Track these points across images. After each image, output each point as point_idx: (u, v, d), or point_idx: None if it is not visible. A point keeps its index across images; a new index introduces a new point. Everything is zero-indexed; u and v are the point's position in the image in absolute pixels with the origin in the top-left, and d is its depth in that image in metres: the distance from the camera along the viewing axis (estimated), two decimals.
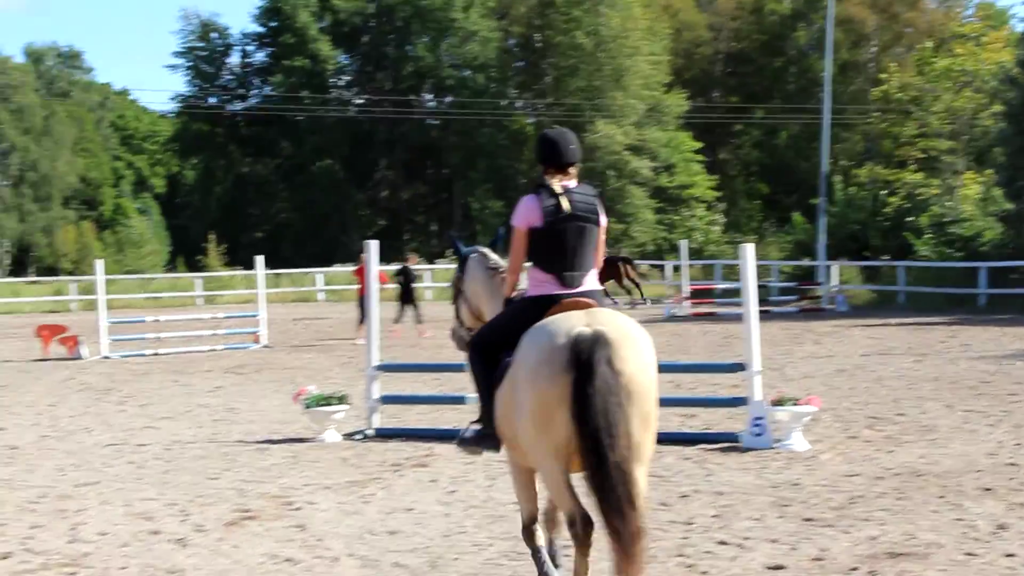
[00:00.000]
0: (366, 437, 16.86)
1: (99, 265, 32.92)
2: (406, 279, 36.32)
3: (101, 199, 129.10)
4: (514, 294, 8.99)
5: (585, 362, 7.44)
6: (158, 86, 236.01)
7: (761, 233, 76.56)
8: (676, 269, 53.64)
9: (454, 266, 10.43)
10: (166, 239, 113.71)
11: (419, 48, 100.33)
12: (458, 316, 9.92)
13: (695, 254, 61.67)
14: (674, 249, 61.43)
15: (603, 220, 8.65)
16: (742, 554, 10.14)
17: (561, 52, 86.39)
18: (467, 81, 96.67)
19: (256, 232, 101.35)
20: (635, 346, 7.70)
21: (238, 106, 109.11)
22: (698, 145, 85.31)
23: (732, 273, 52.60)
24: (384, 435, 16.89)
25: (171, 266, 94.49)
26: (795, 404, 15.21)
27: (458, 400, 18.11)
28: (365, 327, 30.87)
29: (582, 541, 7.80)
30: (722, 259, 61.52)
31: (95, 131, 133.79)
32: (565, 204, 8.38)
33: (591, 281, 8.48)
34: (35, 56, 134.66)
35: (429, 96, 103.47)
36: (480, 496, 12.63)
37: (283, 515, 11.97)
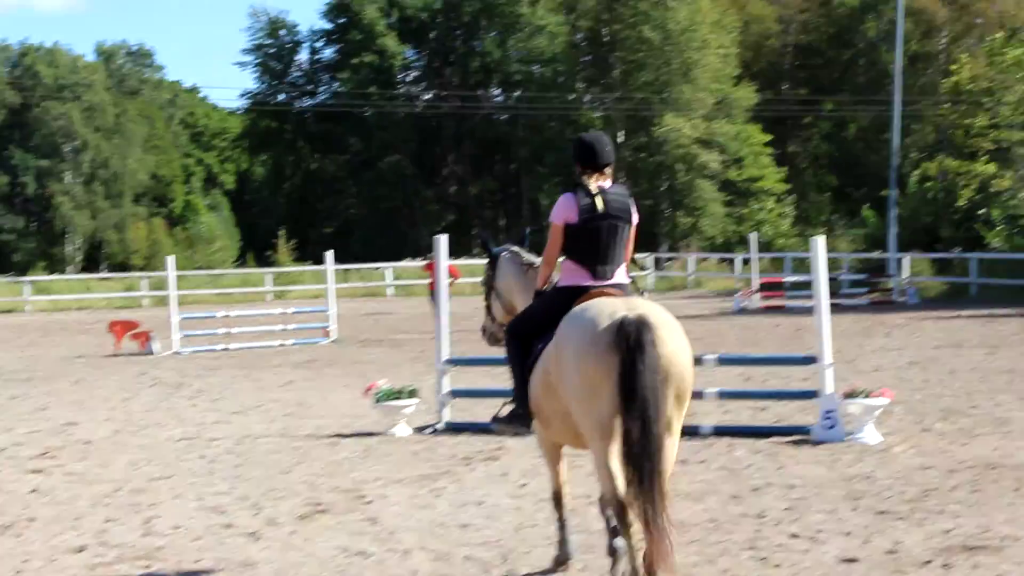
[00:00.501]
0: (436, 431, 16.89)
1: (170, 261, 33.16)
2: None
3: (172, 196, 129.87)
4: (546, 286, 9.50)
5: (635, 341, 7.89)
6: (227, 83, 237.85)
7: (830, 225, 76.01)
8: (745, 262, 53.50)
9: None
10: (236, 235, 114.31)
11: (486, 43, 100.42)
12: (490, 313, 10.59)
13: (764, 247, 61.35)
14: (743, 242, 61.28)
15: (635, 218, 9.21)
16: (814, 547, 10.09)
17: (629, 46, 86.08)
18: (534, 76, 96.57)
19: (325, 227, 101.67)
20: (673, 330, 8.21)
21: (307, 103, 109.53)
22: (767, 138, 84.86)
23: (802, 266, 52.30)
24: (454, 429, 16.91)
25: (241, 262, 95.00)
26: (867, 397, 15.10)
27: None
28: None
29: (617, 509, 8.15)
30: (791, 252, 61.16)
31: (165, 128, 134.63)
32: (600, 203, 8.95)
33: (620, 275, 9.10)
34: (106, 54, 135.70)
35: (497, 91, 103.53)
36: (551, 490, 12.61)
37: (355, 509, 12.00)
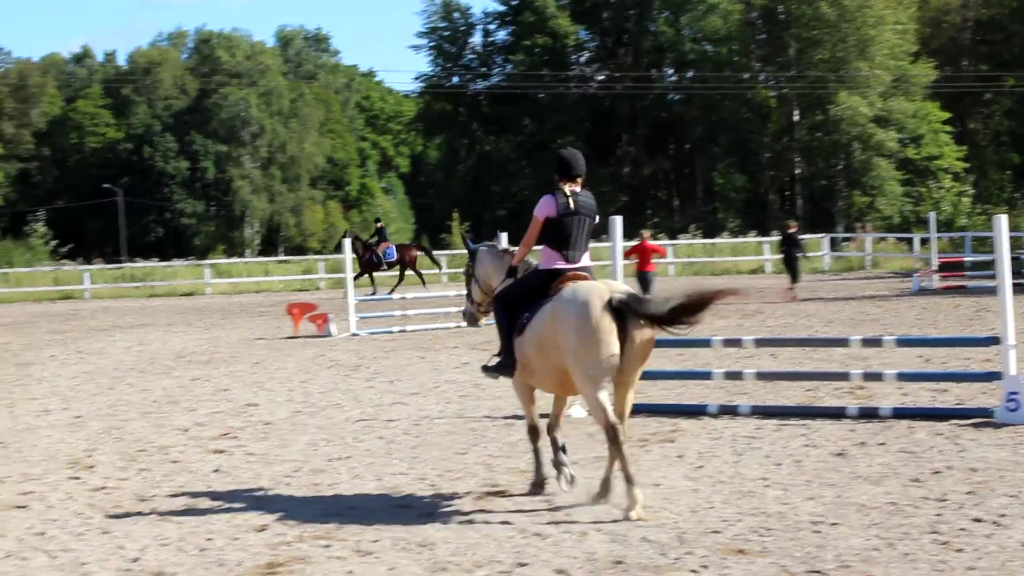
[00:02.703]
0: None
1: (347, 244, 33.52)
2: (789, 246, 38.71)
3: (347, 179, 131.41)
4: (522, 265, 12.21)
5: (622, 307, 10.77)
6: (402, 67, 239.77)
7: (1012, 204, 74.54)
8: (924, 242, 52.61)
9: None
10: (410, 217, 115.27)
11: (659, 23, 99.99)
12: (470, 296, 13.07)
13: (943, 227, 60.29)
14: (921, 222, 60.31)
15: (596, 218, 11.84)
16: (998, 531, 9.89)
17: (804, 23, 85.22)
18: (708, 55, 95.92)
19: (499, 209, 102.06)
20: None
21: (480, 85, 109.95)
22: (946, 115, 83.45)
23: (982, 245, 51.33)
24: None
25: (415, 244, 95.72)
26: None
27: (704, 376, 18.04)
28: None
29: (614, 440, 10.90)
30: (972, 231, 60.01)
31: (341, 112, 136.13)
32: (572, 203, 11.61)
33: (585, 259, 11.76)
34: (284, 40, 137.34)
35: (670, 71, 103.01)
36: (728, 472, 12.54)
37: (531, 490, 12.02)
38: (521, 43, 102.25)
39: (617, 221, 17.69)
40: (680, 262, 59.48)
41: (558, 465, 11.99)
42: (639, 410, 16.65)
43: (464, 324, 14.25)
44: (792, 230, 40.31)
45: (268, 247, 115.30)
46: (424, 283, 49.26)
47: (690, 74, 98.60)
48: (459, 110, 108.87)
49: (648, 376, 18.53)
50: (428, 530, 10.58)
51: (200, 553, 10.13)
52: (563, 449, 12.07)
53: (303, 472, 13.46)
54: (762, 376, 17.78)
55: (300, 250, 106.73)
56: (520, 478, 12.54)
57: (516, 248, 12.47)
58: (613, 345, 10.74)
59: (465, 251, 13.53)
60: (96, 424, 17.84)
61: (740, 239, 66.56)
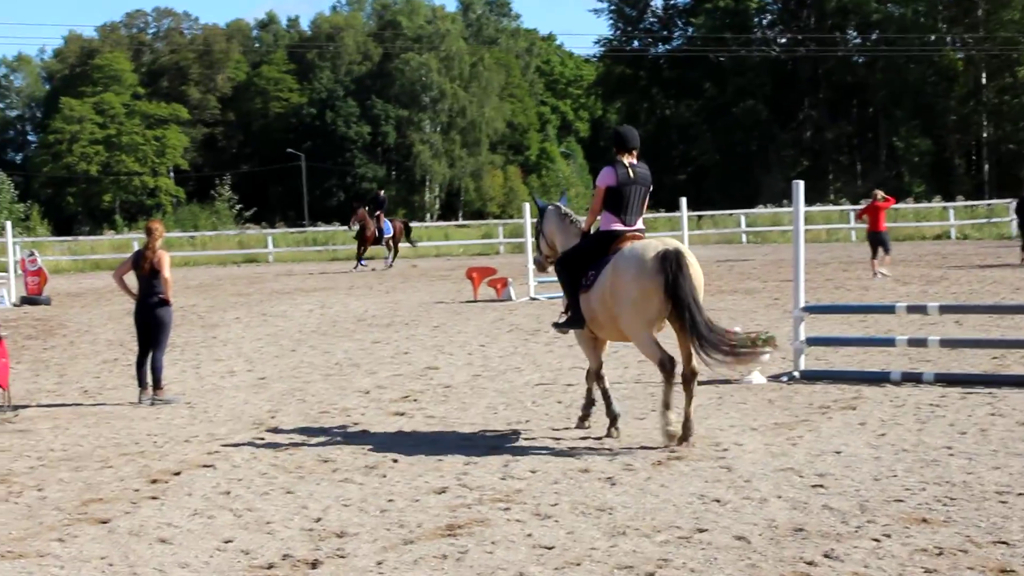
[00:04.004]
0: (792, 379, 16.72)
1: (526, 208, 33.59)
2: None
3: (527, 143, 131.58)
4: (590, 229, 13.62)
5: (675, 267, 12.21)
6: (583, 31, 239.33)
7: None
8: None
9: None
10: (590, 182, 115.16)
11: None
12: (538, 248, 14.82)
13: None
14: None
15: (651, 186, 13.39)
16: None
17: None
18: (894, 16, 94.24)
19: (679, 174, 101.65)
20: (692, 258, 12.48)
21: (661, 48, 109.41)
22: None
23: None
24: (810, 377, 16.71)
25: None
26: None
27: (888, 342, 17.78)
28: (877, 261, 31.88)
29: (669, 374, 12.38)
30: None
31: (521, 77, 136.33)
32: (631, 173, 13.08)
33: (640, 223, 13.21)
34: (465, 4, 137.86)
35: (853, 33, 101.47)
36: (911, 440, 12.35)
37: (710, 456, 11.97)
38: (703, 6, 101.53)
39: (799, 186, 17.47)
40: (862, 227, 58.54)
41: (612, 411, 13.41)
42: (819, 377, 16.51)
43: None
44: None
45: (448, 211, 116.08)
46: (396, 255, 49.27)
47: (874, 36, 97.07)
48: (639, 74, 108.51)
49: (830, 343, 18.41)
50: (607, 494, 10.58)
51: (381, 514, 10.23)
52: (593, 402, 13.92)
53: (482, 435, 13.53)
54: (946, 343, 17.48)
55: (479, 214, 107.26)
56: (699, 443, 12.47)
57: (572, 213, 14.31)
58: (664, 295, 12.25)
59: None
60: (279, 386, 18.13)
61: (924, 204, 65.38)
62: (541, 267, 15.21)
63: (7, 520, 10.51)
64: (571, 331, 13.82)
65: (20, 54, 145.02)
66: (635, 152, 13.25)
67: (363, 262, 47.89)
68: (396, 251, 48.83)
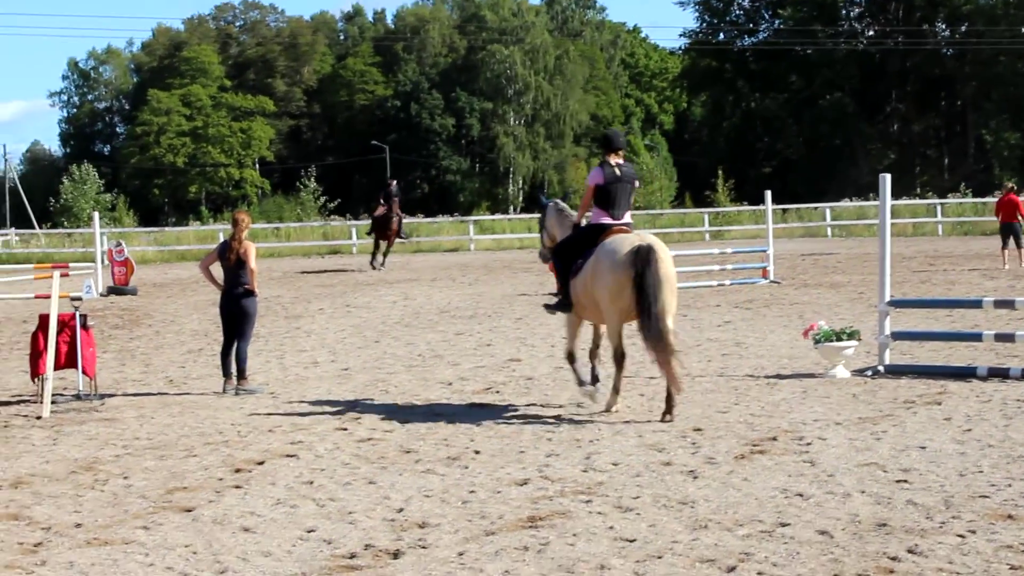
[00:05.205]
0: (876, 373, 16.60)
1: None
2: None
3: None
4: (581, 221, 15.01)
5: (644, 262, 13.57)
6: (669, 23, 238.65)
7: None
8: None
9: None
10: (674, 175, 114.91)
11: None
12: (542, 241, 16.29)
13: None
14: None
15: (637, 184, 15.20)
16: None
17: None
18: (983, 8, 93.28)
19: (764, 167, 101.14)
20: (666, 253, 13.85)
21: (747, 41, 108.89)
22: None
23: None
24: (895, 372, 16.59)
25: (678, 201, 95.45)
26: None
27: (975, 337, 17.62)
28: (1005, 253, 32.00)
29: (620, 364, 14.23)
30: None
31: (606, 69, 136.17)
32: (617, 172, 14.53)
33: (627, 217, 14.65)
34: None
35: (942, 26, 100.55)
36: (997, 435, 12.23)
37: (793, 450, 11.91)
38: None
39: (886, 179, 17.33)
40: (949, 221, 58.07)
41: (583, 384, 14.99)
42: (903, 372, 16.40)
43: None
44: None
45: (532, 204, 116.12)
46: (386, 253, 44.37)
47: (963, 28, 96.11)
48: (725, 66, 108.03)
49: (915, 337, 18.27)
50: (689, 487, 10.55)
51: (463, 505, 10.26)
52: (596, 378, 15.12)
53: (564, 427, 13.54)
54: None
55: None
56: (782, 437, 12.42)
57: (567, 208, 15.96)
58: (632, 287, 13.61)
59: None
60: (363, 376, 18.21)
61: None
62: (545, 259, 16.33)
63: (93, 507, 10.63)
64: (563, 313, 15.25)
65: (109, 47, 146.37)
66: (621, 153, 14.87)
67: (380, 260, 43.64)
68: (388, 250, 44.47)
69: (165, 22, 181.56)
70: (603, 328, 14.96)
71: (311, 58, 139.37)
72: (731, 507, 9.86)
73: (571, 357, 15.30)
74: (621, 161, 14.72)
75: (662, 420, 13.64)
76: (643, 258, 13.58)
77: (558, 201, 16.37)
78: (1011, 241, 33.61)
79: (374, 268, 43.19)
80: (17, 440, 13.88)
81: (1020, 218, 34.12)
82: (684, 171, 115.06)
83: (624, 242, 13.94)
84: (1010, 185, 34.72)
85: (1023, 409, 13.58)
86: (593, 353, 15.42)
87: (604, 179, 14.46)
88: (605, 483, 10.84)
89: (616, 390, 14.42)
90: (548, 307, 15.64)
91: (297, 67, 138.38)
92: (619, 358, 14.16)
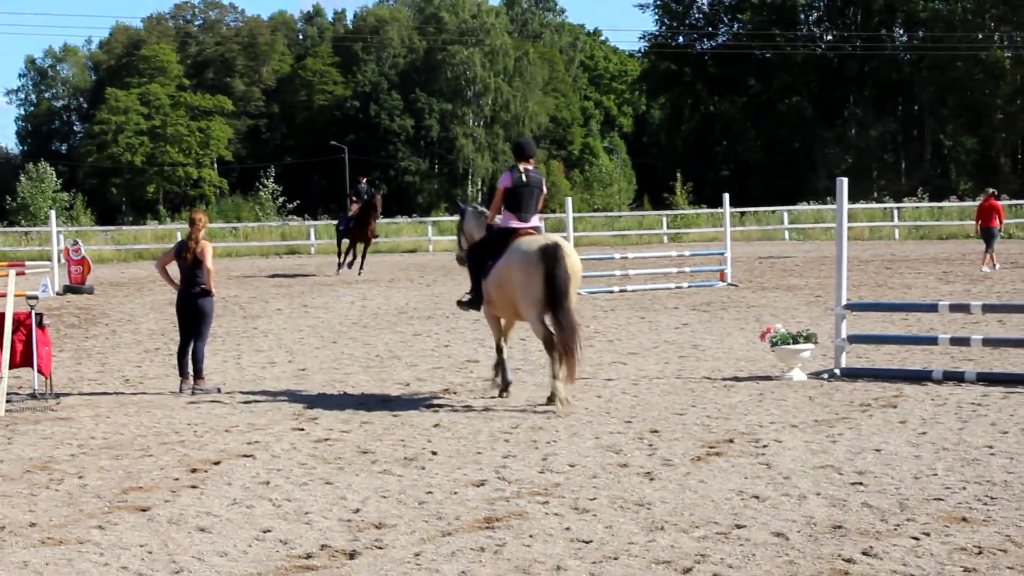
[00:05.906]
0: (833, 376, 16.68)
1: (568, 203, 33.65)
2: None
3: (570, 138, 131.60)
4: (492, 223, 16.05)
5: (551, 258, 14.67)
6: (628, 26, 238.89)
7: None
8: None
9: None
10: (632, 177, 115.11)
11: None
12: (460, 244, 17.13)
13: None
14: None
15: (545, 189, 16.07)
16: None
17: None
18: (941, 14, 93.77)
19: (722, 170, 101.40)
20: (572, 251, 14.96)
21: (706, 44, 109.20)
22: None
23: None
24: (851, 375, 16.68)
25: (637, 204, 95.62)
26: None
27: (930, 341, 17.72)
28: (988, 256, 32.49)
29: (550, 348, 14.93)
30: None
31: (565, 72, 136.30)
32: (525, 178, 15.57)
33: (535, 220, 15.70)
34: None
35: (900, 31, 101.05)
36: (952, 439, 12.29)
37: (749, 452, 11.95)
38: (748, 2, 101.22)
39: (843, 183, 17.42)
40: (905, 225, 58.35)
41: (499, 375, 16.10)
42: (859, 375, 16.47)
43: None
44: None
45: (489, 205, 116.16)
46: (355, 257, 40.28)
47: (921, 34, 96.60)
48: (684, 70, 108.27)
49: (871, 340, 18.36)
50: (645, 489, 10.58)
51: (419, 506, 10.25)
52: (508, 383, 16.10)
53: (522, 428, 13.56)
54: (989, 342, 17.40)
55: None
56: (738, 440, 12.46)
57: (486, 211, 16.67)
58: (543, 282, 14.62)
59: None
60: (320, 377, 18.20)
61: (969, 203, 65.05)
62: (462, 262, 17.12)
63: (48, 507, 10.58)
64: (473, 310, 16.62)
65: (67, 45, 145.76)
66: (531, 160, 15.98)
67: (357, 263, 39.88)
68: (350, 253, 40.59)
69: (124, 20, 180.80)
70: (511, 330, 16.56)
71: (270, 58, 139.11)
72: (687, 509, 9.89)
73: (499, 350, 16.17)
74: (531, 168, 15.79)
75: (548, 403, 14.98)
76: (551, 255, 14.67)
77: (476, 205, 17.53)
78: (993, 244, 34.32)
79: (340, 271, 40.11)
80: None
81: (999, 222, 34.70)
82: (643, 173, 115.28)
83: (533, 242, 15.03)
84: (991, 191, 35.19)
85: (978, 412, 13.66)
86: (496, 347, 16.28)
87: (512, 183, 15.54)
88: (562, 484, 10.85)
89: (555, 376, 14.97)
90: (461, 304, 16.60)
91: (256, 67, 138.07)
92: (548, 345, 14.96)
